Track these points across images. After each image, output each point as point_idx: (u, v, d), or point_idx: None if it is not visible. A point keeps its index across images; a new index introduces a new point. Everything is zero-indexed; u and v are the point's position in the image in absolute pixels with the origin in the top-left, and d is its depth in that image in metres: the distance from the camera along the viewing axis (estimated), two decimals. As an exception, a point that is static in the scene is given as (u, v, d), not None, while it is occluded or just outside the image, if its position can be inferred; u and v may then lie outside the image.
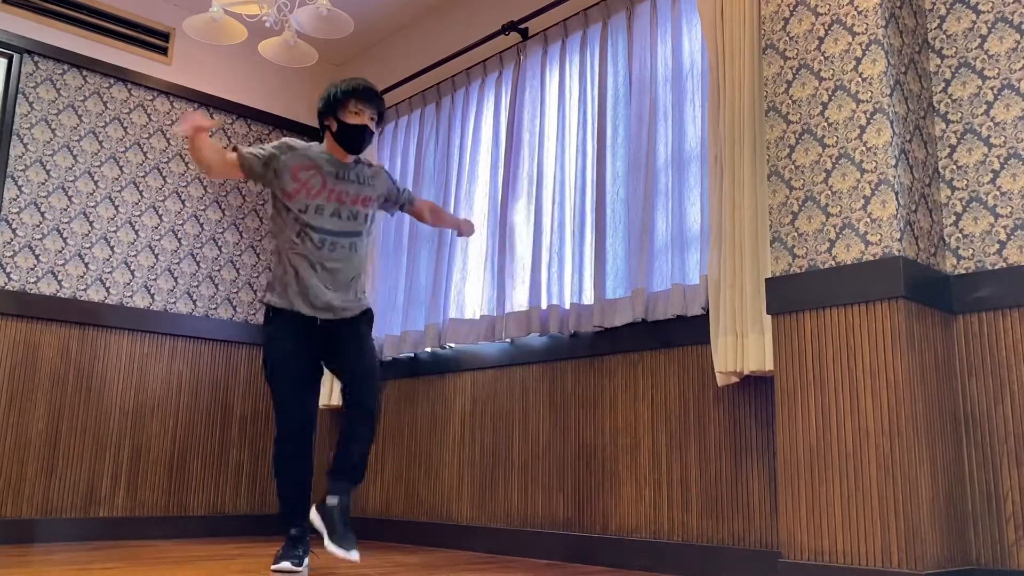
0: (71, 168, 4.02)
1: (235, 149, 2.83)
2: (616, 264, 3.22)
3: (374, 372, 2.88)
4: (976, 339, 2.26)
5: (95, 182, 4.09)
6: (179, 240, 4.31)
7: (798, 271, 2.32)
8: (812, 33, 2.40)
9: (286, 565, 2.69)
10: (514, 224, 3.66)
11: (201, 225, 4.40)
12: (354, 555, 2.60)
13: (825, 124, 2.33)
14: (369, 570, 2.84)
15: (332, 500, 2.70)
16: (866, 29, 2.28)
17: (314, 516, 2.72)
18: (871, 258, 2.17)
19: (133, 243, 4.16)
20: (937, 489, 2.09)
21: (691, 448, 2.89)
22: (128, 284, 4.11)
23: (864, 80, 2.26)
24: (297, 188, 2.83)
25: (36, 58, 3.98)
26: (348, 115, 2.87)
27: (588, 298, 3.29)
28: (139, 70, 4.28)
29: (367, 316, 2.97)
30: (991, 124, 2.32)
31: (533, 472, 3.42)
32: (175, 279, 4.27)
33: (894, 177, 2.18)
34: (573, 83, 3.60)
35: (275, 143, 2.90)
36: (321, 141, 2.99)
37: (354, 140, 2.89)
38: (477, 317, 3.71)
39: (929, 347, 2.19)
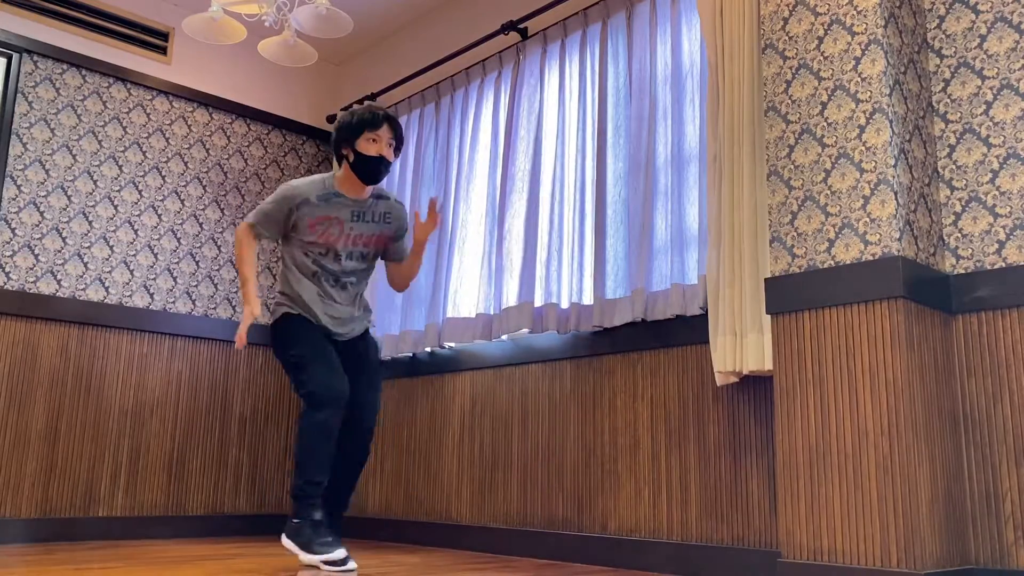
0: (70, 168, 4.02)
1: (255, 233, 2.89)
2: (615, 264, 3.22)
3: (380, 393, 2.97)
4: (975, 339, 2.26)
5: (94, 182, 4.09)
6: (178, 240, 4.31)
7: (797, 271, 2.32)
8: (811, 33, 2.40)
9: (340, 553, 2.62)
10: (513, 223, 3.66)
11: (200, 225, 4.40)
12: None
13: (824, 124, 2.33)
14: (369, 570, 2.84)
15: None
16: (865, 29, 2.28)
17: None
18: (870, 258, 2.18)
19: (132, 243, 4.16)
20: (936, 489, 2.09)
21: (690, 448, 2.89)
22: (127, 284, 4.11)
23: (863, 80, 2.26)
24: (315, 238, 2.86)
25: (35, 57, 3.98)
26: (365, 144, 2.83)
27: (587, 298, 3.29)
28: (138, 70, 4.28)
29: (373, 342, 3.06)
30: (990, 124, 2.32)
31: (532, 472, 3.42)
32: (174, 279, 4.27)
33: (893, 177, 2.18)
34: (572, 83, 3.60)
35: (283, 195, 2.85)
36: (339, 168, 2.94)
37: (371, 171, 2.84)
38: (473, 315, 3.71)
39: (928, 347, 2.19)
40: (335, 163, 3.03)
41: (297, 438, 2.74)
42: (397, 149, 2.91)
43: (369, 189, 2.92)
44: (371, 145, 2.83)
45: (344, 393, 2.74)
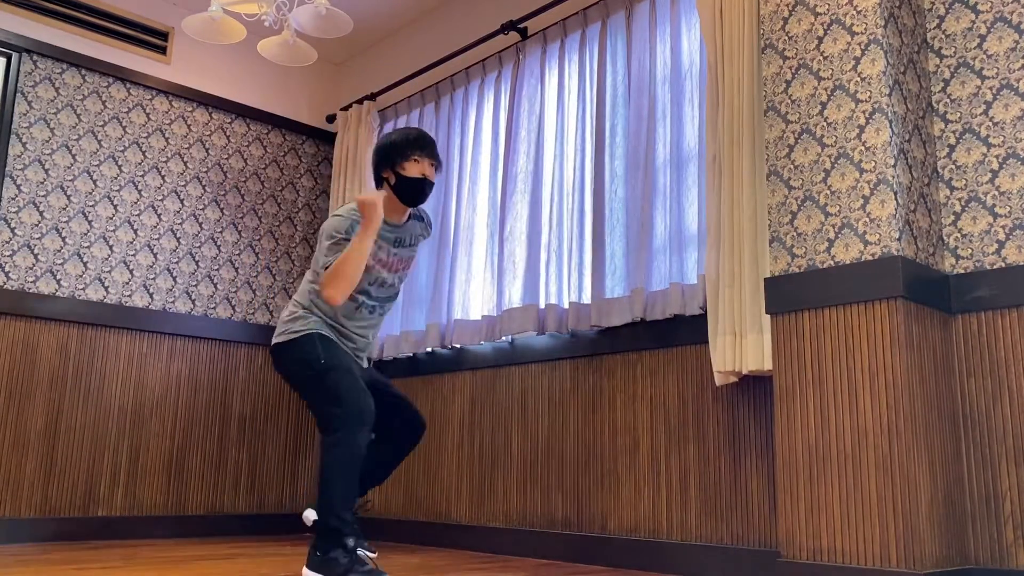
0: (70, 167, 4.02)
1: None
2: (615, 263, 3.22)
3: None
4: (975, 339, 2.26)
5: (94, 181, 4.08)
6: (178, 239, 4.31)
7: (797, 271, 2.32)
8: (811, 33, 2.40)
9: None
10: (515, 225, 3.66)
11: (200, 224, 4.40)
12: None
13: (824, 124, 2.33)
14: (368, 570, 2.83)
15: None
16: (865, 29, 2.28)
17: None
18: (870, 258, 2.18)
19: (132, 242, 4.16)
20: (935, 489, 2.09)
21: (690, 448, 2.89)
22: (127, 283, 4.11)
23: (863, 80, 2.26)
24: (369, 266, 2.67)
25: (35, 57, 3.98)
26: (408, 167, 2.70)
27: (587, 297, 3.29)
28: (138, 69, 4.28)
29: None
30: (990, 124, 2.32)
31: (532, 472, 3.42)
32: (174, 278, 4.27)
33: (893, 177, 2.18)
34: (572, 82, 3.60)
35: (337, 228, 2.63)
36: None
37: (415, 193, 2.72)
38: (479, 317, 3.71)
39: (928, 347, 2.19)
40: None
41: (329, 467, 2.46)
42: (438, 169, 2.79)
43: (407, 212, 2.79)
44: (415, 166, 2.70)
45: (373, 413, 2.57)
